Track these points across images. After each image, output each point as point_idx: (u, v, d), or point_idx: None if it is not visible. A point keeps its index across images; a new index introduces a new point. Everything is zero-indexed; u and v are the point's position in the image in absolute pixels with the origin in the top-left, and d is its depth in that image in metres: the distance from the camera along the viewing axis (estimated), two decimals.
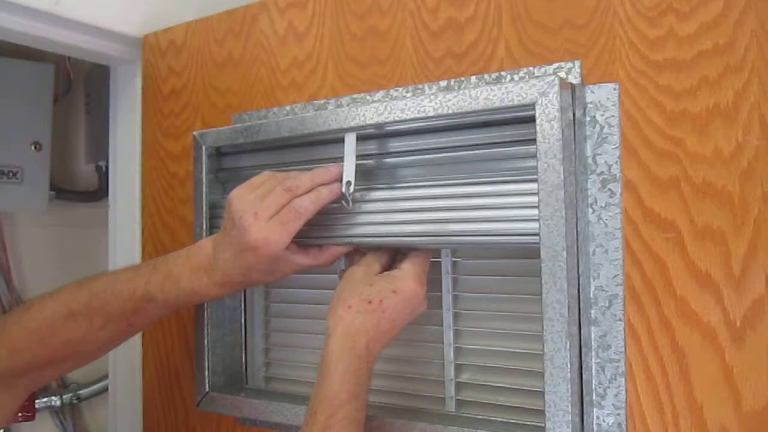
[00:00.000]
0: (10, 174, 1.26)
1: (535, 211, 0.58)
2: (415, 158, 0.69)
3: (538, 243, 0.57)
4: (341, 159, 0.70)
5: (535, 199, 0.58)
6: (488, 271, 0.70)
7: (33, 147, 1.28)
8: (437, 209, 0.66)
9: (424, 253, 0.68)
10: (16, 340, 0.67)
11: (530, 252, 0.62)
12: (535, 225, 0.58)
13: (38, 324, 0.67)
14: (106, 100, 1.05)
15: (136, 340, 0.96)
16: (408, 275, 0.65)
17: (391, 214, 0.68)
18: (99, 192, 1.43)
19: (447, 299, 0.72)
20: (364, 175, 0.71)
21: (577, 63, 0.62)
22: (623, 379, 0.59)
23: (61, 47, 0.92)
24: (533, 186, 0.59)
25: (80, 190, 1.46)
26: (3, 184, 1.25)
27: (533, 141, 0.58)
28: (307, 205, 0.66)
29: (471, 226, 0.63)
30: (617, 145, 0.60)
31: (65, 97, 1.42)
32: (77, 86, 1.45)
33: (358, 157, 0.70)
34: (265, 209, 0.64)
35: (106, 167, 1.37)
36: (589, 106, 0.61)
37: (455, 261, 0.72)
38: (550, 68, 0.63)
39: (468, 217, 0.64)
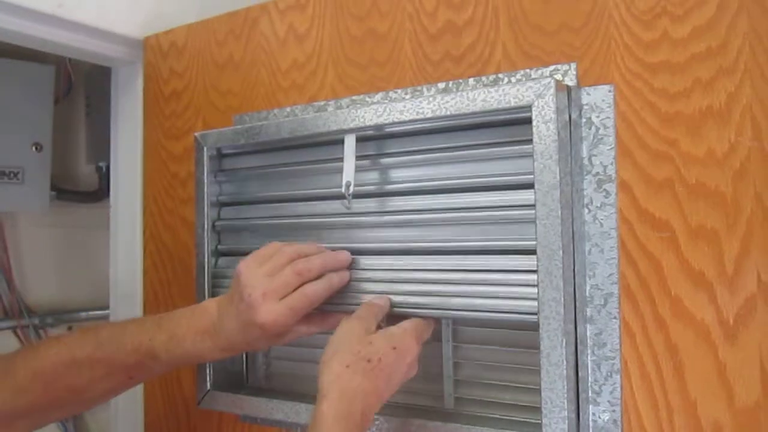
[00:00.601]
0: (11, 174, 1.27)
1: (535, 290, 0.59)
2: (413, 158, 0.70)
3: (536, 320, 0.58)
4: (341, 160, 0.71)
5: (534, 277, 0.59)
6: None
7: (34, 148, 1.29)
8: (439, 282, 0.67)
9: (431, 321, 0.68)
10: (21, 382, 0.67)
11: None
12: (535, 304, 0.59)
13: (43, 368, 0.67)
14: (107, 101, 1.06)
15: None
16: (408, 333, 0.64)
17: (393, 284, 0.70)
18: (99, 192, 1.44)
19: None
20: (367, 247, 0.73)
21: (573, 65, 0.63)
22: (618, 376, 0.60)
23: (64, 49, 0.93)
24: (533, 262, 0.60)
25: (81, 190, 1.47)
26: (4, 185, 1.26)
27: (530, 142, 0.59)
28: (320, 293, 0.67)
29: (472, 300, 0.64)
30: (612, 146, 0.61)
31: (66, 98, 1.43)
32: (78, 87, 1.46)
33: (358, 158, 0.71)
34: (275, 290, 0.65)
35: (107, 168, 1.38)
36: (585, 107, 0.62)
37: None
38: (547, 70, 0.64)
39: (469, 292, 0.65)
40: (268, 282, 0.65)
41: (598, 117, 0.62)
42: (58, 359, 0.68)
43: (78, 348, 0.68)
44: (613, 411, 0.60)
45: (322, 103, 0.79)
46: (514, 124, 0.64)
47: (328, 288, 0.68)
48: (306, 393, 0.75)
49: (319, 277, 0.68)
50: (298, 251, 0.69)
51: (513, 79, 0.66)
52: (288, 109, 0.82)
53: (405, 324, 0.65)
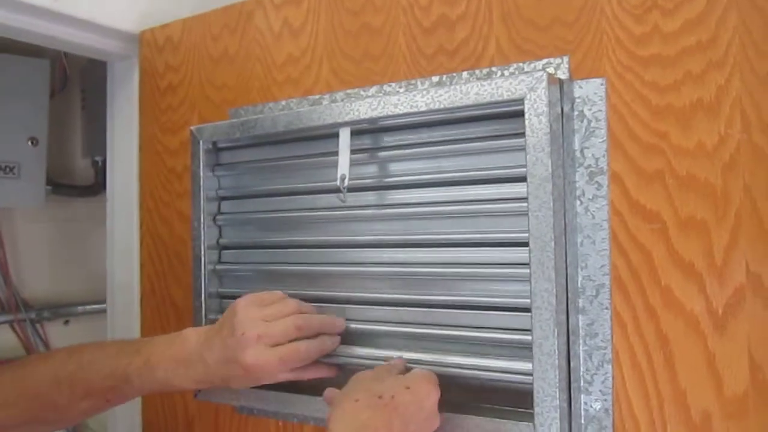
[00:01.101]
0: (7, 169, 1.27)
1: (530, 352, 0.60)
2: (408, 151, 0.71)
3: (531, 384, 0.59)
4: (336, 154, 0.72)
5: (529, 338, 0.60)
6: None
7: (30, 142, 1.30)
8: (437, 338, 0.68)
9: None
10: (7, 397, 0.68)
11: None
12: (529, 366, 0.60)
13: (28, 385, 0.68)
14: (102, 96, 1.06)
15: (135, 330, 0.98)
16: (421, 377, 0.61)
17: (389, 339, 0.71)
18: (95, 186, 1.44)
19: None
20: (362, 240, 0.74)
21: (566, 59, 0.64)
22: (610, 366, 0.61)
23: (60, 43, 0.93)
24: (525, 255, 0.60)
25: (77, 184, 1.47)
26: (0, 180, 1.26)
27: (522, 135, 0.60)
28: (311, 352, 0.68)
29: (469, 360, 0.65)
30: (604, 138, 0.62)
31: (61, 92, 1.43)
32: (73, 81, 1.46)
33: (353, 151, 0.71)
34: (269, 336, 0.65)
35: (103, 162, 1.38)
36: (577, 100, 0.63)
37: None
38: (539, 64, 0.65)
39: (468, 351, 0.66)
40: (264, 326, 0.65)
41: (590, 110, 0.62)
42: (43, 377, 0.69)
43: (61, 368, 0.69)
44: (605, 400, 0.61)
45: (317, 96, 0.80)
46: (507, 117, 0.64)
47: (320, 350, 0.69)
48: (303, 384, 0.76)
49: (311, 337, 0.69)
50: (300, 307, 0.70)
51: (506, 73, 0.67)
52: (283, 103, 0.83)
53: (415, 370, 0.64)
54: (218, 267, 0.83)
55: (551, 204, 0.58)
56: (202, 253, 0.82)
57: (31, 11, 0.85)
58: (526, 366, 0.61)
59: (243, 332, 0.64)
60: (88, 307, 1.46)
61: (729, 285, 0.57)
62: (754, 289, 0.56)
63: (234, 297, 0.83)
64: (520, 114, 0.60)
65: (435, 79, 0.71)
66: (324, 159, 0.76)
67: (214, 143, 0.84)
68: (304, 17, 0.81)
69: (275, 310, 0.67)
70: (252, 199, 0.83)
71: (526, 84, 0.60)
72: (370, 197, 0.74)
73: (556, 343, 0.58)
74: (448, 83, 0.70)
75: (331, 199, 0.75)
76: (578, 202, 0.63)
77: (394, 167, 0.73)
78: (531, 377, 0.59)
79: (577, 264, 0.62)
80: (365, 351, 0.71)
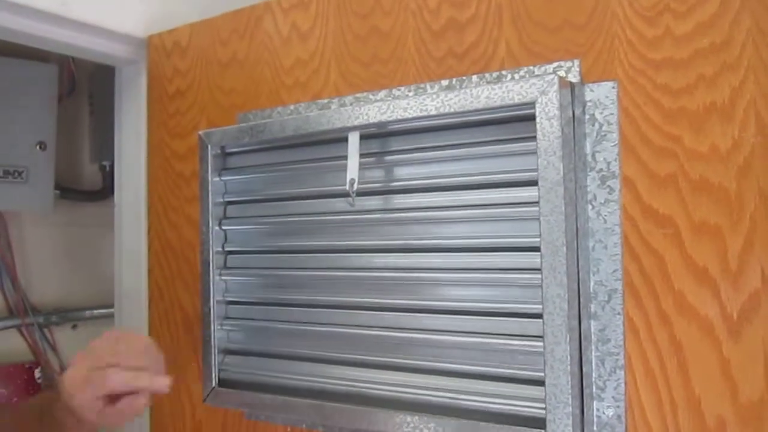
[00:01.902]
0: (16, 174, 1.27)
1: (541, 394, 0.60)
2: (417, 155, 0.70)
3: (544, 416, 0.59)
4: (345, 158, 0.71)
5: (541, 344, 0.60)
6: None
7: (38, 147, 1.30)
8: (447, 345, 0.68)
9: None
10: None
11: None
12: (540, 391, 0.60)
13: (16, 417, 0.70)
14: (110, 100, 1.07)
15: (143, 334, 0.97)
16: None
17: (396, 344, 0.71)
18: (103, 191, 1.45)
19: None
20: (371, 245, 0.74)
21: (577, 62, 0.63)
22: (622, 372, 0.61)
23: (68, 48, 0.93)
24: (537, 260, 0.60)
25: (85, 189, 1.47)
26: (8, 184, 1.26)
27: (533, 139, 0.59)
28: (118, 378, 0.63)
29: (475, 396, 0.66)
30: (616, 142, 0.61)
31: (69, 97, 1.44)
32: (81, 86, 1.46)
33: (362, 155, 0.71)
34: (89, 359, 0.64)
35: (110, 167, 1.39)
36: (589, 104, 0.62)
37: None
38: (550, 67, 0.65)
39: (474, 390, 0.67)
40: (91, 350, 0.66)
41: (601, 113, 0.62)
42: (30, 408, 0.70)
43: (46, 398, 0.69)
44: (617, 407, 0.61)
45: (326, 100, 0.79)
46: (518, 121, 0.64)
47: (133, 380, 0.64)
48: (311, 389, 0.76)
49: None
50: (150, 349, 0.68)
51: (516, 76, 0.66)
52: (292, 107, 0.82)
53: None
54: (226, 271, 0.83)
55: (563, 208, 0.58)
56: (211, 257, 0.81)
57: (40, 16, 0.86)
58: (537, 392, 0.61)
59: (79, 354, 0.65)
60: (95, 312, 1.46)
61: (744, 290, 0.56)
62: None
63: (242, 301, 0.84)
64: (531, 117, 0.60)
65: (445, 82, 0.71)
66: (332, 163, 0.75)
67: (223, 148, 0.83)
68: (312, 21, 0.81)
69: (127, 341, 0.67)
70: (260, 203, 0.83)
71: (537, 87, 0.59)
72: (379, 201, 0.73)
73: (568, 348, 0.57)
74: (458, 87, 0.70)
75: (340, 203, 0.75)
76: (590, 207, 0.62)
77: (403, 171, 0.72)
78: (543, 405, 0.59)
79: (589, 269, 0.62)
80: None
